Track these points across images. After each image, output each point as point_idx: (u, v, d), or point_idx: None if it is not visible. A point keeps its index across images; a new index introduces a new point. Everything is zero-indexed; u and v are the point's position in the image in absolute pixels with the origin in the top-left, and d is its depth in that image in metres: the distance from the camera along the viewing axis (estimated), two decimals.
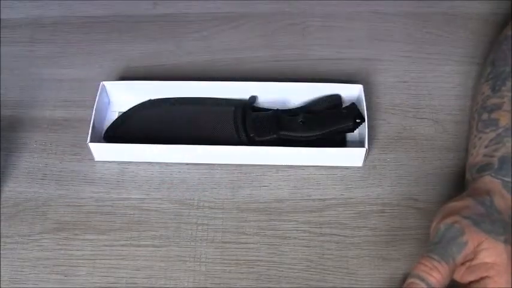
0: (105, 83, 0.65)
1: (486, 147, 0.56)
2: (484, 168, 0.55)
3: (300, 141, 0.62)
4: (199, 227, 0.59)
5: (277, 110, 0.64)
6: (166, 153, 0.62)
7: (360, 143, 0.63)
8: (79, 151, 0.64)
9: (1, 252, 0.57)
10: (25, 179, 0.62)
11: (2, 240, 0.58)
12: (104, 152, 0.62)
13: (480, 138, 0.58)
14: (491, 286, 0.48)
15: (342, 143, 0.63)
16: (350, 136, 0.64)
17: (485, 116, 0.59)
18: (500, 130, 0.56)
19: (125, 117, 0.65)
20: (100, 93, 0.64)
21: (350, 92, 0.65)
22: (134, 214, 0.60)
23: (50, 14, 0.76)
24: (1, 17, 0.75)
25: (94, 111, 0.62)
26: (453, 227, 0.50)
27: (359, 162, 0.62)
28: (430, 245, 0.50)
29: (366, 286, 0.56)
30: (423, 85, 0.68)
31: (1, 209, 0.60)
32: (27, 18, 0.75)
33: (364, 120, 0.62)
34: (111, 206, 0.60)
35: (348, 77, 0.68)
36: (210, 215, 0.60)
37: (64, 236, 0.58)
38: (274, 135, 0.62)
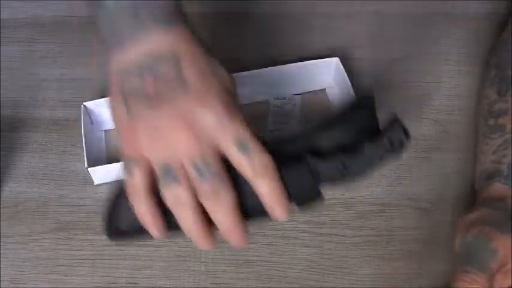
0: (86, 103, 0.62)
1: (494, 153, 0.56)
2: (492, 175, 0.54)
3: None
4: None
5: (306, 155, 0.45)
6: None
7: None
8: (79, 151, 0.64)
9: (1, 252, 0.57)
10: (25, 179, 0.62)
11: (2, 240, 0.58)
12: (103, 174, 0.60)
13: (487, 144, 0.57)
14: None
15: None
16: None
17: (491, 121, 0.58)
18: (507, 135, 0.55)
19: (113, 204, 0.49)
20: (83, 116, 0.61)
21: (327, 68, 0.65)
22: None
23: (50, 14, 0.75)
24: (1, 17, 0.75)
25: (83, 137, 0.60)
26: (479, 235, 0.49)
27: None
28: (462, 258, 0.49)
29: (366, 286, 0.56)
30: (423, 85, 0.68)
31: (1, 209, 0.60)
32: (27, 18, 0.75)
33: (409, 137, 0.45)
34: None
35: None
36: None
37: (64, 236, 0.58)
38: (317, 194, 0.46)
